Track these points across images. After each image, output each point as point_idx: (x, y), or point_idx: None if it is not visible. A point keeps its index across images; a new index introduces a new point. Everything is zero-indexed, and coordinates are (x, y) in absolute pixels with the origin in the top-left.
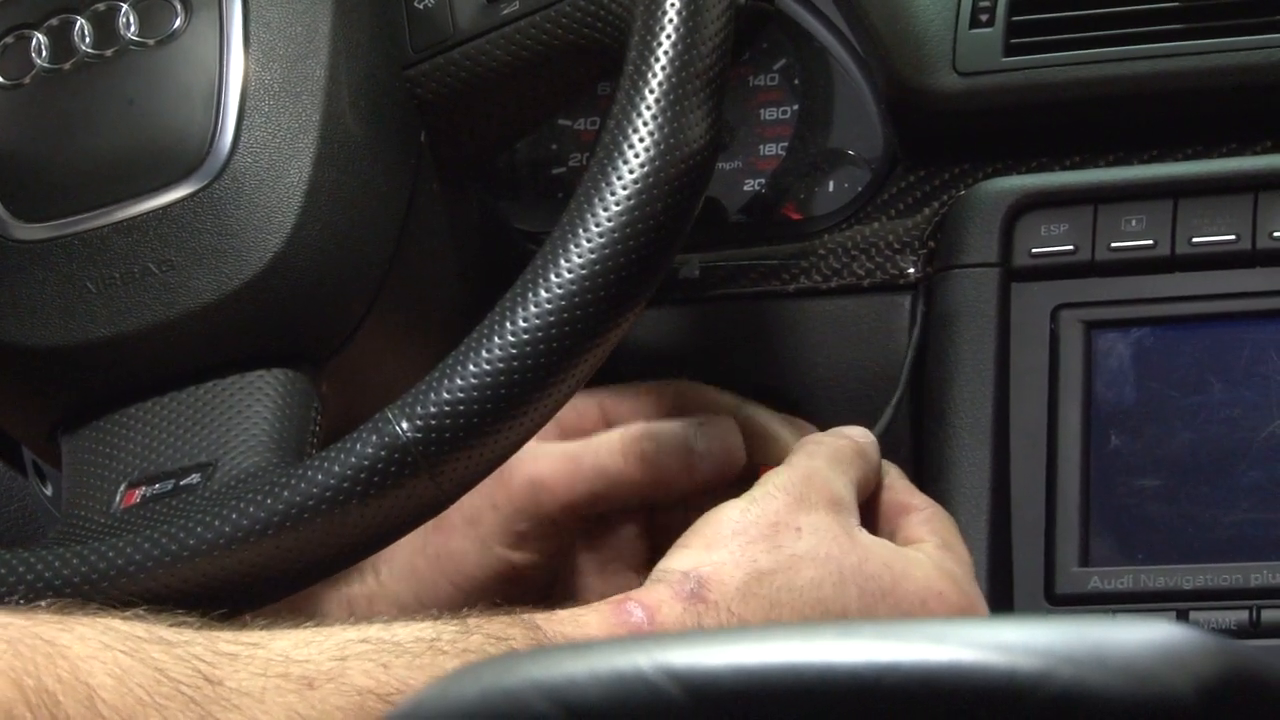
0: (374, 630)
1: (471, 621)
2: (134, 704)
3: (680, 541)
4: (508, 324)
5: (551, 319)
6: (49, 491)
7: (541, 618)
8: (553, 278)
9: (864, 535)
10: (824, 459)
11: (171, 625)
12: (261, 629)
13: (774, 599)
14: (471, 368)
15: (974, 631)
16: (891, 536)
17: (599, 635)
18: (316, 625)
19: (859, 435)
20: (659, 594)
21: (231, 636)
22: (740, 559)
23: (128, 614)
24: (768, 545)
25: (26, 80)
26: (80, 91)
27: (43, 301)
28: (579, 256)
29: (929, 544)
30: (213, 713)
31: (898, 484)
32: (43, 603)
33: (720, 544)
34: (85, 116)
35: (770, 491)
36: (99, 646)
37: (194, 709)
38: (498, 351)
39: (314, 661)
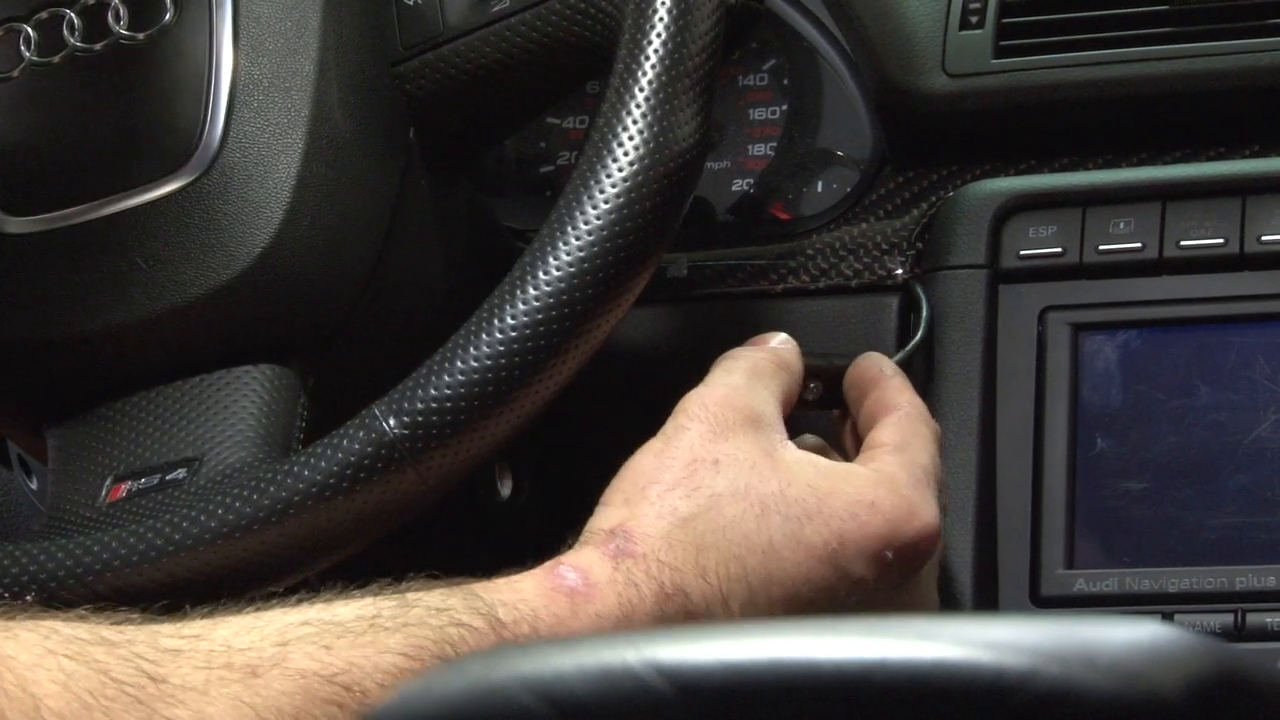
0: (314, 611)
1: (410, 595)
2: (79, 709)
3: (603, 499)
4: (495, 322)
5: (539, 317)
6: (34, 486)
7: (479, 586)
8: (540, 276)
9: (788, 454)
10: (741, 374)
11: (114, 624)
12: (203, 619)
13: (699, 542)
14: (459, 365)
15: (962, 629)
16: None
17: (535, 600)
18: (257, 611)
19: (779, 343)
20: (588, 556)
21: (173, 630)
22: (661, 509)
23: (70, 615)
24: (685, 489)
25: (15, 74)
26: (69, 85)
27: (30, 295)
28: (567, 255)
29: (882, 449)
30: (159, 710)
31: (891, 384)
32: (28, 597)
33: (639, 496)
34: (74, 111)
35: (683, 424)
36: (43, 653)
37: (139, 709)
38: (485, 349)
39: (256, 649)
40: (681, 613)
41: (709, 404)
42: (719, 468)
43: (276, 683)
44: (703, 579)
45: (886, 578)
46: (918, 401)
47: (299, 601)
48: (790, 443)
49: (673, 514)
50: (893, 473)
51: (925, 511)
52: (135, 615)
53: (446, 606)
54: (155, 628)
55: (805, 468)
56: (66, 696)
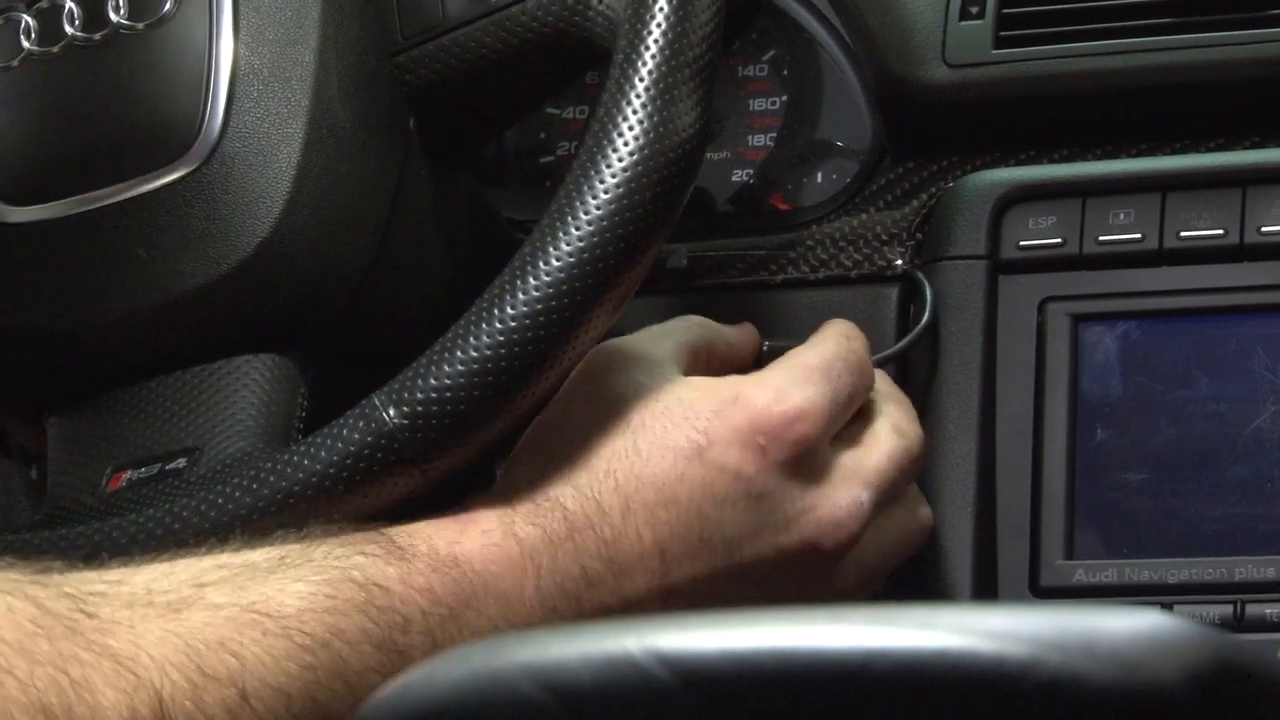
0: (225, 557)
1: (313, 538)
2: (23, 636)
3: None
4: (495, 312)
5: (539, 307)
6: (34, 475)
7: (392, 530)
8: (540, 266)
9: (668, 380)
10: (645, 331)
11: (39, 570)
12: (120, 567)
13: (570, 464)
14: (459, 355)
15: (962, 618)
16: None
17: (426, 527)
18: (171, 559)
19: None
20: (470, 500)
21: (95, 576)
22: (534, 447)
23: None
24: (557, 426)
25: (15, 63)
26: (69, 75)
27: (31, 285)
28: (567, 245)
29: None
30: (94, 639)
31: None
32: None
33: (520, 446)
34: (73, 100)
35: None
36: None
37: (77, 637)
38: (485, 339)
39: (175, 590)
40: (562, 524)
41: (595, 351)
42: (590, 400)
43: (198, 615)
44: (576, 491)
45: (771, 471)
46: (843, 330)
47: (208, 551)
48: (681, 376)
49: (541, 448)
50: (765, 374)
51: (794, 395)
52: (56, 564)
53: (348, 541)
54: (77, 575)
55: (680, 386)
56: (10, 625)
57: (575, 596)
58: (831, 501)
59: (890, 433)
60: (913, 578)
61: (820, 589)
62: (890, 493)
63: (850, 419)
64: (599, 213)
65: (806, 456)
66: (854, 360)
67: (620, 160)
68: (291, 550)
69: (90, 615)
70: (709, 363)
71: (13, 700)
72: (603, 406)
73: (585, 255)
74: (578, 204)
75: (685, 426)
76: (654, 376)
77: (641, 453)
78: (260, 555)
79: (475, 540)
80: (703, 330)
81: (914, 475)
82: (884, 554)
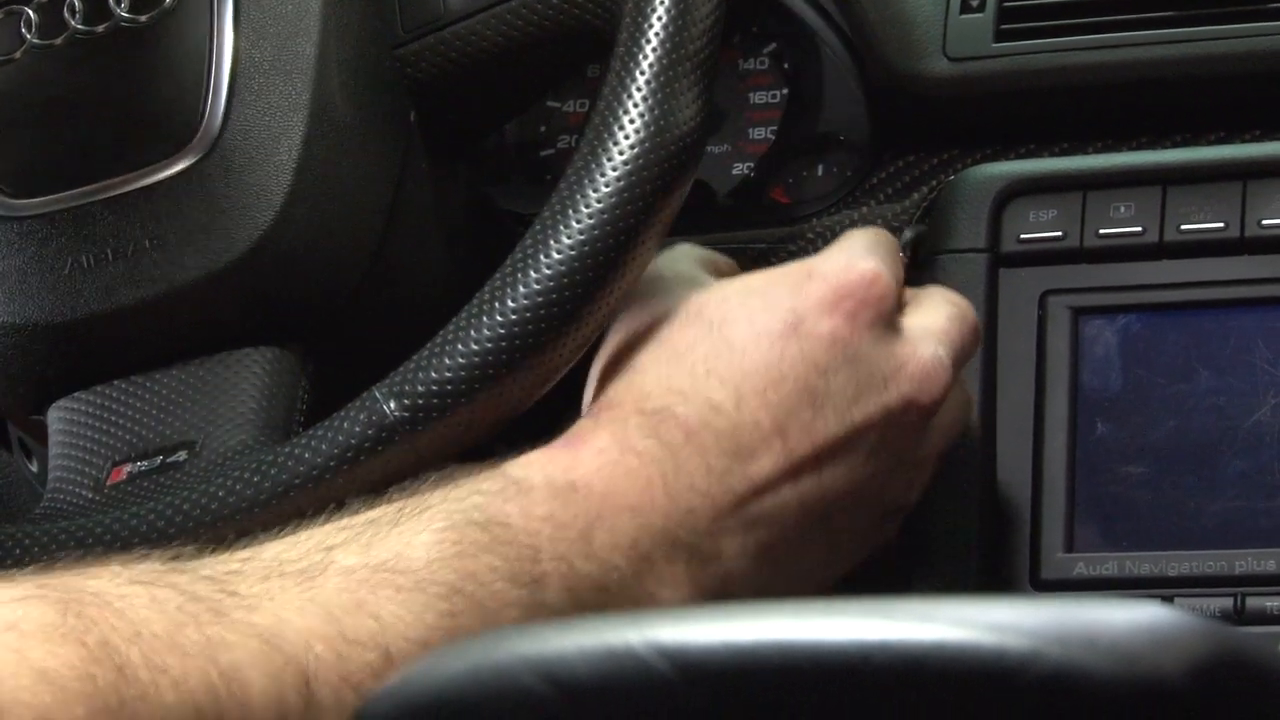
0: (347, 518)
1: (429, 483)
2: (173, 627)
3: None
4: (495, 305)
5: (539, 300)
6: (34, 468)
7: (507, 464)
8: (541, 260)
9: (716, 282)
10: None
11: (172, 557)
12: (246, 547)
13: (669, 377)
14: (459, 348)
15: (963, 611)
16: None
17: (539, 456)
18: (295, 529)
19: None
20: (572, 427)
21: (227, 555)
22: (624, 373)
23: (129, 556)
24: (638, 350)
25: (17, 55)
26: (71, 67)
27: (32, 277)
28: (568, 239)
29: None
30: (240, 617)
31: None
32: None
33: (604, 377)
34: (75, 93)
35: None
36: (126, 583)
37: (222, 619)
38: (485, 333)
39: (304, 558)
40: (678, 430)
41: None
42: (660, 319)
43: (332, 580)
44: (683, 396)
45: (863, 333)
46: (867, 228)
47: (329, 517)
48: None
49: (630, 368)
50: (825, 253)
51: (863, 261)
52: (187, 548)
53: (463, 482)
54: (211, 557)
55: (741, 280)
56: (160, 617)
57: (705, 493)
58: (918, 357)
59: (945, 303)
60: (913, 569)
61: (921, 452)
62: (958, 354)
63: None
64: (599, 206)
65: (889, 316)
66: (889, 242)
67: (621, 154)
68: (409, 502)
69: (231, 594)
70: (720, 273)
71: (168, 707)
72: (677, 318)
73: (586, 249)
74: (578, 198)
75: (772, 309)
76: (707, 283)
77: (735, 346)
78: (379, 511)
79: (592, 462)
80: (700, 249)
81: (972, 348)
82: (955, 420)
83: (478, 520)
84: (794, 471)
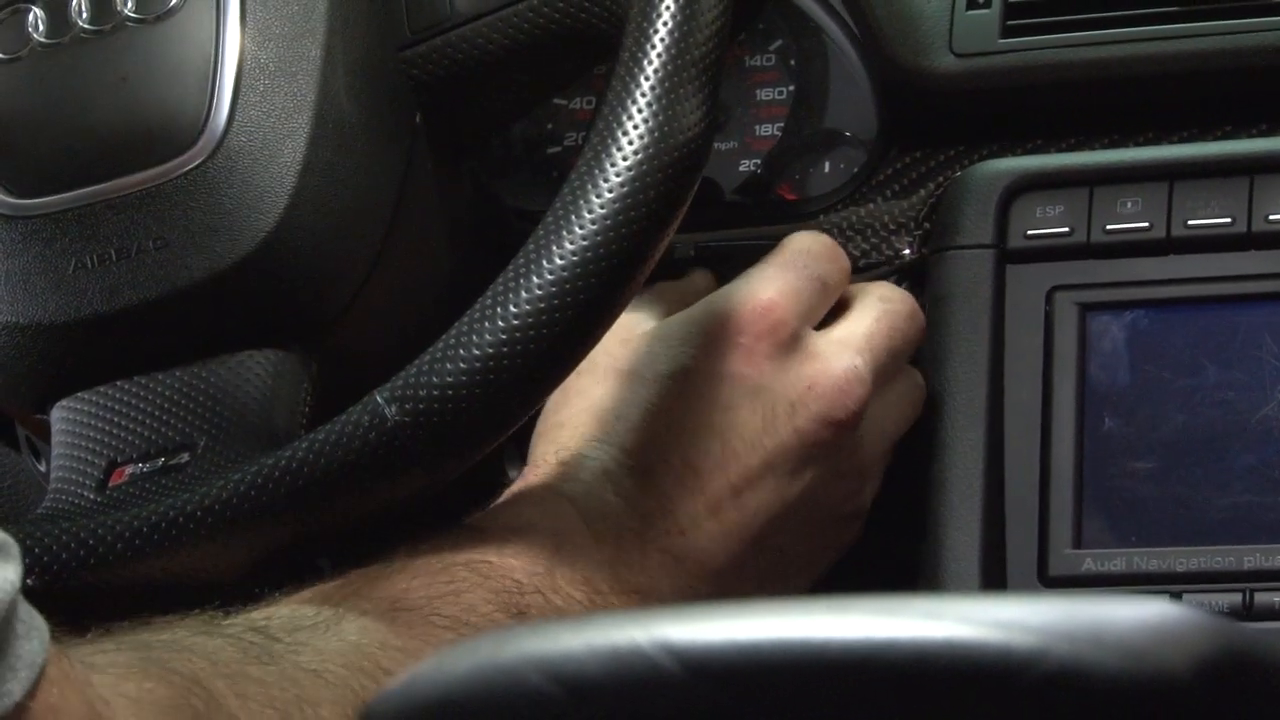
0: (333, 585)
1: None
2: (244, 664)
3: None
4: (499, 310)
5: (543, 305)
6: (43, 468)
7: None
8: (545, 264)
9: (641, 327)
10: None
11: (205, 621)
12: (259, 608)
13: (589, 423)
14: (462, 353)
15: (970, 608)
16: None
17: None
18: (297, 593)
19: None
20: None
21: (247, 615)
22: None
23: (156, 624)
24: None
25: (23, 54)
26: (76, 67)
27: (36, 277)
28: (572, 243)
29: None
30: (287, 659)
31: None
32: (28, 580)
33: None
34: (81, 92)
35: None
36: (190, 633)
37: (277, 659)
38: (488, 337)
39: (319, 612)
40: (597, 474)
41: None
42: (580, 375)
43: (351, 624)
44: (599, 443)
45: (762, 364)
46: (805, 234)
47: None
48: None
49: (556, 425)
50: (733, 282)
51: (761, 290)
52: (211, 613)
53: (431, 537)
54: (237, 617)
55: (650, 331)
56: (229, 658)
57: (635, 531)
58: (828, 374)
59: (875, 302)
60: (920, 566)
61: (851, 465)
62: (886, 357)
63: (836, 305)
64: (603, 211)
65: (790, 342)
66: (820, 250)
67: (625, 158)
68: (395, 558)
69: (275, 639)
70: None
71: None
72: (595, 371)
73: (590, 253)
74: (582, 201)
75: (672, 354)
76: (629, 332)
77: (641, 392)
78: (364, 573)
79: (532, 511)
80: (673, 293)
81: (910, 338)
82: (897, 420)
83: (461, 562)
84: (714, 506)
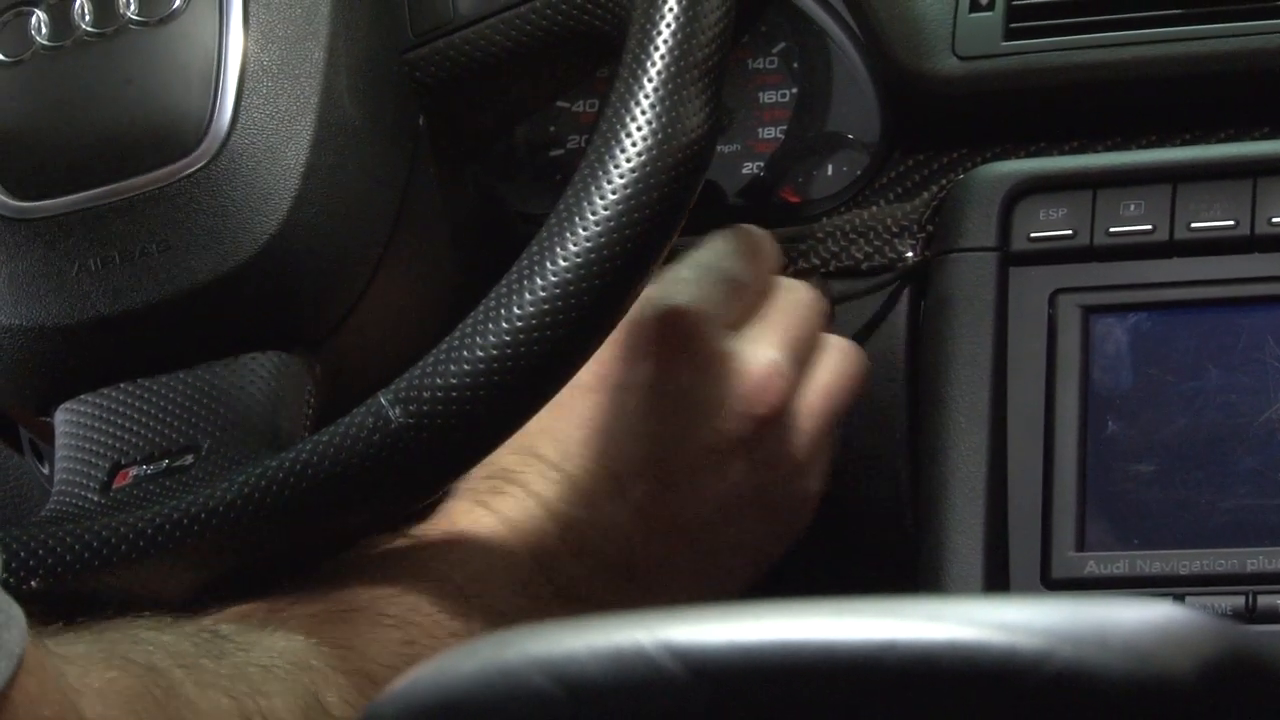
0: (264, 602)
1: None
2: (198, 658)
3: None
4: (502, 313)
5: (546, 307)
6: (46, 470)
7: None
8: (548, 266)
9: None
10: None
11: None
12: (209, 615)
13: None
14: (465, 355)
15: (974, 610)
16: None
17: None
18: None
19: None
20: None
21: (196, 621)
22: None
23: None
24: None
25: (26, 57)
26: (79, 70)
27: (39, 279)
28: (575, 245)
29: None
30: (237, 657)
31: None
32: (33, 582)
33: None
34: (84, 95)
35: None
36: (144, 628)
37: (226, 657)
38: (491, 339)
39: (269, 617)
40: (519, 489)
41: None
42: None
43: (299, 626)
44: (520, 458)
45: (673, 371)
46: (724, 232)
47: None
48: None
49: None
50: (644, 294)
51: (669, 299)
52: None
53: (366, 547)
54: (184, 622)
55: None
56: (184, 651)
57: (566, 539)
58: (745, 372)
59: (784, 294)
60: (923, 569)
61: (782, 452)
62: (802, 344)
63: (751, 303)
64: (606, 213)
65: (702, 346)
66: (733, 249)
67: (628, 160)
68: (342, 563)
69: (225, 638)
70: None
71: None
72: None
73: (593, 256)
74: (585, 204)
75: (590, 366)
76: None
77: (562, 405)
78: (308, 575)
79: (464, 519)
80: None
81: (820, 322)
82: (826, 398)
83: (404, 566)
84: (639, 509)
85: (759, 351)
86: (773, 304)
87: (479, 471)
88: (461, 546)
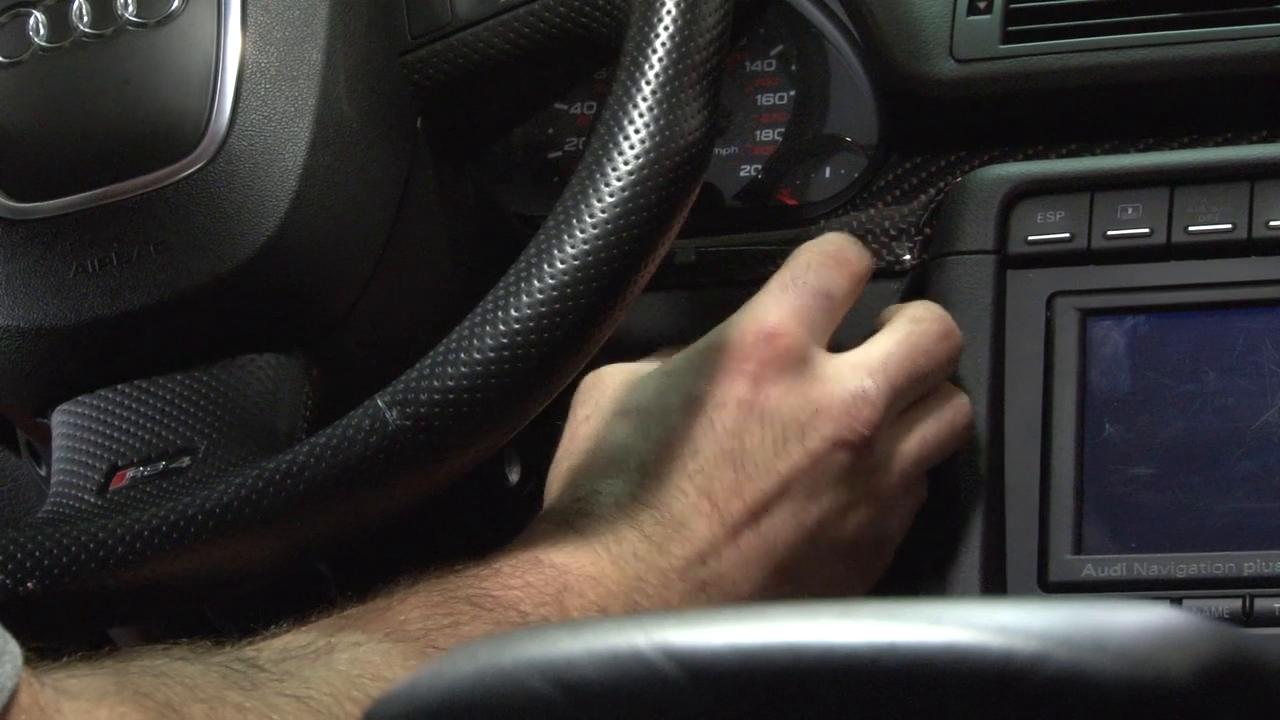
0: (332, 618)
1: (399, 590)
2: (222, 690)
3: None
4: (500, 314)
5: (544, 309)
6: (44, 472)
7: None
8: (546, 268)
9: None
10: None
11: (190, 650)
12: (253, 642)
13: (589, 459)
14: (463, 357)
15: (971, 613)
16: None
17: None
18: (286, 630)
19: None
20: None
21: (235, 648)
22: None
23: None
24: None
25: (24, 58)
26: (77, 71)
27: (36, 280)
28: (573, 247)
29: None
30: (270, 687)
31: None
32: (29, 584)
33: None
34: (82, 96)
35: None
36: (173, 659)
37: (259, 688)
38: (489, 342)
39: (311, 644)
40: (611, 507)
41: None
42: (589, 418)
43: (343, 655)
44: (609, 479)
45: (767, 390)
46: (815, 243)
47: (314, 621)
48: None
49: (570, 469)
50: (736, 314)
51: (764, 317)
52: (198, 644)
53: (430, 579)
54: (228, 649)
55: (656, 370)
56: (208, 684)
57: (650, 562)
58: (836, 396)
59: (903, 324)
60: (921, 572)
61: (869, 491)
62: (905, 380)
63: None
64: (604, 215)
65: (798, 365)
66: (822, 260)
67: (626, 162)
68: (394, 593)
69: (260, 669)
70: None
71: None
72: (605, 413)
73: (591, 258)
74: (583, 206)
75: (679, 389)
76: (630, 373)
77: (652, 428)
78: (365, 606)
79: (543, 541)
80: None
81: (939, 360)
82: (923, 445)
83: (461, 597)
84: (732, 532)
85: (853, 377)
86: (890, 330)
87: (566, 495)
88: (534, 573)
